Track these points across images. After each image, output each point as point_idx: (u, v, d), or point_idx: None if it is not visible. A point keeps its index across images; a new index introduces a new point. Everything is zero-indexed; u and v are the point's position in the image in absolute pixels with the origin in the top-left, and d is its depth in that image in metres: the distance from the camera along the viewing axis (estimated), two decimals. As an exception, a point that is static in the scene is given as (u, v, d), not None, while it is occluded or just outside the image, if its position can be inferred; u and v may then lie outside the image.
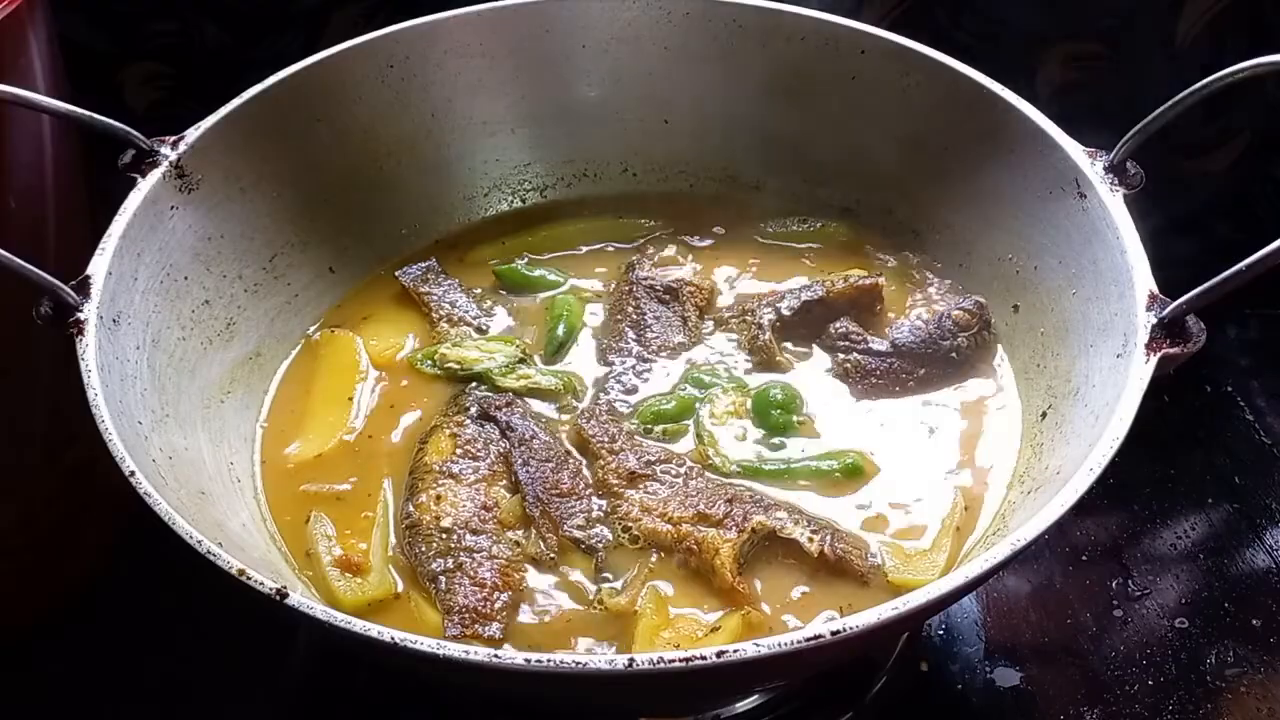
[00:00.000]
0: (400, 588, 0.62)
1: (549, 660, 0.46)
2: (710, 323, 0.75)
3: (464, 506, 0.64)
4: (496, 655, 0.47)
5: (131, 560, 0.80)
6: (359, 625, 0.48)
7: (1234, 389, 0.91)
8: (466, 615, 0.59)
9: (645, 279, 0.76)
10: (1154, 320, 0.57)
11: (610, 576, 0.62)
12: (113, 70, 0.93)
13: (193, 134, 0.68)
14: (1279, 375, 0.92)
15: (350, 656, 0.73)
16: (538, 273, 0.79)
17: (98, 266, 0.61)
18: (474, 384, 0.71)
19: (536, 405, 0.71)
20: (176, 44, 0.92)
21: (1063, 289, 0.67)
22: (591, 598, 0.61)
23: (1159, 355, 0.56)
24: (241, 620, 0.70)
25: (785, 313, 0.73)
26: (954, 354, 0.70)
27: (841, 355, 0.72)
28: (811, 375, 0.72)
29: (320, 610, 0.49)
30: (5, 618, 0.77)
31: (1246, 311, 0.96)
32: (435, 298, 0.77)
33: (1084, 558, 0.80)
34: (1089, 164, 0.65)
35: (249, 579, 0.50)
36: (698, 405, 0.70)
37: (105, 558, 0.81)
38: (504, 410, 0.68)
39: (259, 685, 0.75)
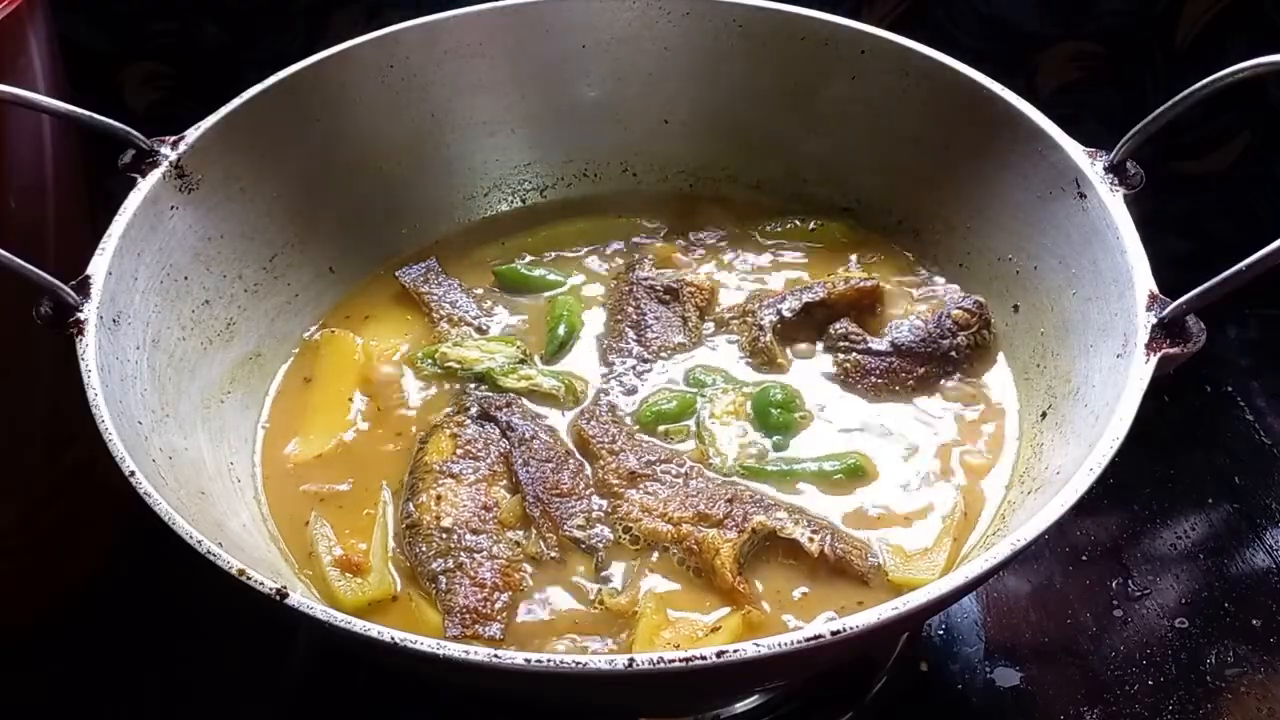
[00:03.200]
0: (400, 588, 0.62)
1: (549, 660, 0.46)
2: (710, 323, 0.75)
3: (464, 506, 0.64)
4: (496, 655, 0.46)
5: (131, 560, 0.80)
6: (359, 625, 0.48)
7: (1234, 389, 0.91)
8: (467, 615, 0.59)
9: (645, 279, 0.76)
10: (1154, 320, 0.57)
11: (610, 576, 0.62)
12: (113, 70, 0.93)
13: (193, 134, 0.68)
14: (1279, 375, 0.92)
15: (350, 656, 0.73)
16: (538, 273, 0.79)
17: (98, 266, 0.61)
18: (474, 384, 0.71)
19: (537, 405, 0.70)
20: (176, 44, 0.92)
21: (1063, 289, 0.67)
22: (591, 598, 0.61)
23: (1159, 355, 0.56)
24: (241, 620, 0.70)
25: (786, 314, 0.73)
26: (954, 353, 0.70)
27: (841, 355, 0.72)
28: (811, 375, 0.72)
29: (320, 610, 0.49)
30: (5, 618, 0.77)
31: (1246, 311, 0.96)
32: (435, 298, 0.77)
33: (1084, 558, 0.80)
34: (1089, 164, 0.65)
35: (249, 579, 0.50)
36: (698, 405, 0.70)
37: (105, 558, 0.81)
38: (504, 410, 0.68)
39: (259, 685, 0.75)
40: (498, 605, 0.60)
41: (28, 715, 0.76)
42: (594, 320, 0.76)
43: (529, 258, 0.81)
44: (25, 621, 0.78)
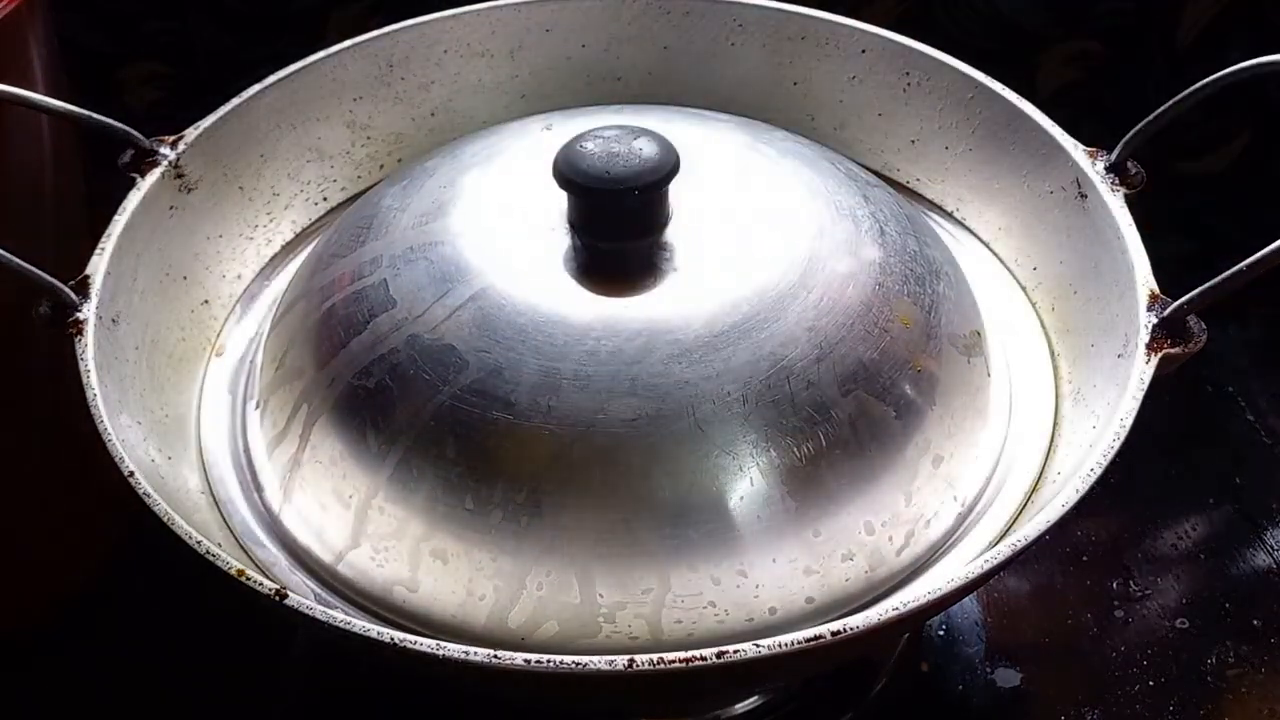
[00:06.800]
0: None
1: (548, 661, 0.46)
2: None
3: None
4: (496, 656, 0.46)
5: (131, 561, 0.80)
6: (358, 626, 0.48)
7: (1235, 389, 0.91)
8: None
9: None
10: (1155, 320, 0.57)
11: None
12: (112, 70, 0.93)
13: (192, 134, 0.68)
14: (1280, 375, 0.92)
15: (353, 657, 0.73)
16: (537, 273, 0.79)
17: (97, 266, 0.61)
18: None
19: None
20: (176, 43, 0.92)
21: (1063, 289, 0.67)
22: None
23: (1160, 355, 0.56)
24: (243, 621, 0.71)
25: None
26: (954, 354, 0.70)
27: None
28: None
29: (320, 611, 0.49)
30: (5, 620, 0.77)
31: (1248, 310, 0.96)
32: (435, 298, 0.77)
33: (1084, 558, 0.80)
34: (1090, 164, 0.65)
35: (248, 579, 0.50)
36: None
37: (105, 558, 0.81)
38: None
39: (260, 685, 0.75)
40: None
41: (28, 715, 0.76)
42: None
43: (529, 258, 0.81)
44: (25, 623, 0.78)
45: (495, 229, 0.59)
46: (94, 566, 0.81)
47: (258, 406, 0.63)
